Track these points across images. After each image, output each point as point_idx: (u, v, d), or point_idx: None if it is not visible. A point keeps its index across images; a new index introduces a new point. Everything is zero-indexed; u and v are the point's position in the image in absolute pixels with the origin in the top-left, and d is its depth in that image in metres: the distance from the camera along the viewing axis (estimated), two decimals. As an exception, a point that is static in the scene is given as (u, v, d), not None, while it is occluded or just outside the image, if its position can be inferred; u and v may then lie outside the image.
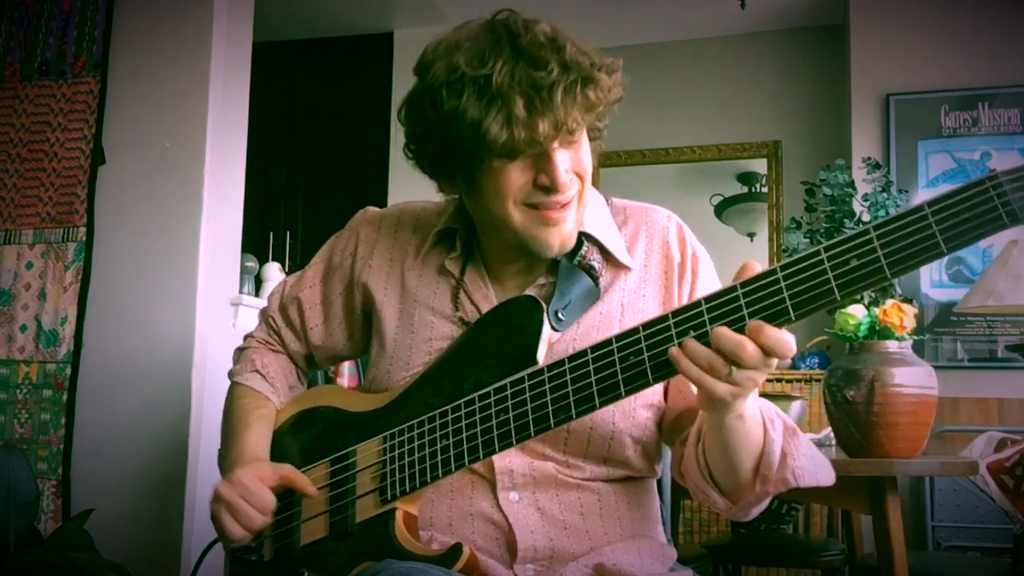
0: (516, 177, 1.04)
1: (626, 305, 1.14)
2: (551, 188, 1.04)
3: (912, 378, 1.89)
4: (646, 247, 1.17)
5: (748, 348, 0.87)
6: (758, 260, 0.92)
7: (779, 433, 1.00)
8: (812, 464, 1.01)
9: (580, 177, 1.08)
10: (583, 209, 1.11)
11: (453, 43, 1.05)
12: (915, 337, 1.97)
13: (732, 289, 0.89)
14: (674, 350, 0.90)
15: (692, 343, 0.90)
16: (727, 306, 0.88)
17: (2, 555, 2.03)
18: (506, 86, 0.99)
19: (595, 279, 1.13)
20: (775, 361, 0.89)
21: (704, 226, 4.46)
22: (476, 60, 1.01)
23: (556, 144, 1.03)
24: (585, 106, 1.02)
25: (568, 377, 0.97)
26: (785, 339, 0.87)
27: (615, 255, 1.15)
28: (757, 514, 1.07)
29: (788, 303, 0.86)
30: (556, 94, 0.99)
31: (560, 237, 1.08)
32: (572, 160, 1.06)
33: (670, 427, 1.15)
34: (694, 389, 1.13)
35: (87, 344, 2.57)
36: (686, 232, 1.20)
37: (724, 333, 0.88)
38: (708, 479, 1.04)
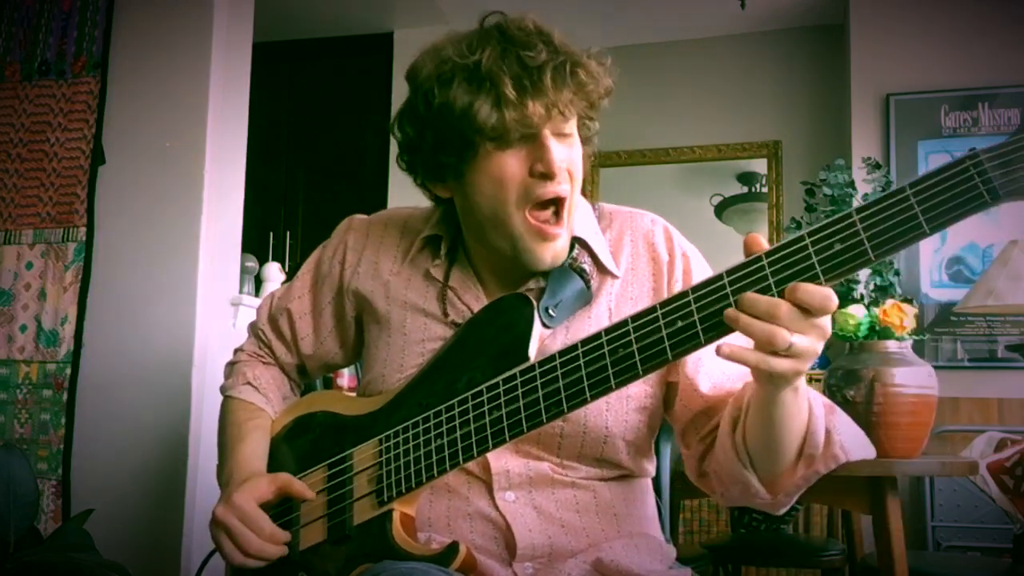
0: (511, 167, 1.04)
1: (614, 310, 1.14)
2: (547, 174, 1.04)
3: (912, 378, 1.90)
4: (631, 251, 1.18)
5: (782, 307, 0.85)
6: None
7: (820, 410, 0.99)
8: (855, 438, 1.00)
9: (571, 176, 1.08)
10: (573, 219, 1.11)
11: (441, 44, 1.07)
12: (915, 337, 1.97)
13: (719, 278, 0.89)
14: (725, 346, 0.87)
15: (747, 320, 0.86)
16: (714, 294, 0.89)
17: (2, 555, 2.03)
18: (495, 68, 1.00)
19: (587, 281, 1.13)
20: (822, 320, 0.86)
21: (704, 226, 4.46)
22: (464, 49, 1.03)
23: (548, 131, 1.04)
24: (575, 88, 1.03)
25: (559, 372, 0.97)
26: (823, 292, 0.84)
27: (603, 261, 1.15)
28: (793, 502, 1.05)
29: (774, 289, 0.86)
30: (546, 75, 1.00)
31: (553, 252, 1.09)
32: (565, 155, 1.06)
33: (686, 428, 1.14)
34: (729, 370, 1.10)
35: (87, 344, 2.57)
36: (673, 233, 1.20)
37: (755, 298, 0.85)
38: (749, 466, 1.02)
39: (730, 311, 0.87)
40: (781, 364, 0.87)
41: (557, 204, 1.07)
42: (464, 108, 1.00)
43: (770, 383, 0.92)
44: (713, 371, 1.12)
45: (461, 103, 1.01)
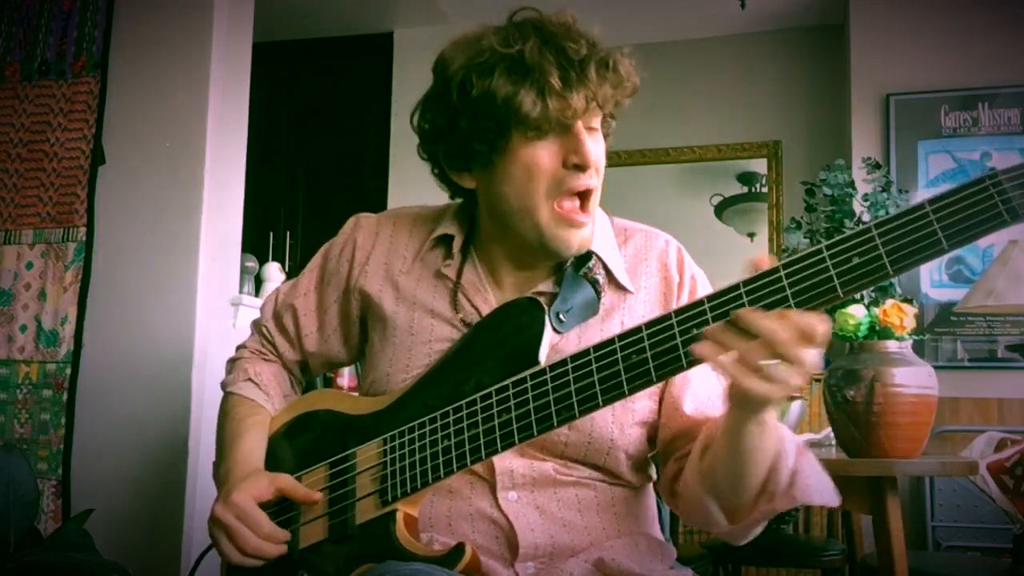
0: (545, 158, 1.05)
1: (626, 324, 1.13)
2: (581, 165, 1.05)
3: (912, 378, 1.89)
4: (645, 269, 1.18)
5: (783, 327, 0.84)
6: (758, 261, 0.92)
7: (792, 448, 0.99)
8: (820, 484, 1.00)
9: (598, 171, 1.09)
10: (596, 209, 1.12)
11: (475, 36, 1.07)
12: (915, 337, 1.97)
13: (735, 287, 0.89)
14: (698, 346, 0.87)
15: (722, 331, 0.86)
16: (729, 304, 0.89)
17: (2, 555, 2.03)
18: (539, 59, 1.01)
19: (598, 292, 1.13)
20: (811, 355, 0.85)
21: (704, 226, 4.46)
22: (505, 41, 1.03)
23: (581, 123, 1.05)
24: (615, 82, 1.04)
25: (571, 376, 0.97)
26: (816, 320, 0.84)
27: (618, 277, 1.15)
28: (752, 537, 1.06)
29: (791, 300, 0.86)
30: (589, 68, 1.02)
31: (580, 239, 1.09)
32: (595, 147, 1.07)
33: (665, 447, 1.14)
34: (700, 396, 1.11)
35: (87, 344, 2.57)
36: (685, 255, 1.21)
37: (753, 314, 0.85)
38: (711, 494, 1.03)
39: (708, 328, 0.87)
40: (755, 385, 0.87)
41: (584, 195, 1.08)
42: (507, 97, 1.01)
43: (739, 406, 0.93)
44: (699, 393, 1.12)
45: (504, 92, 1.01)
